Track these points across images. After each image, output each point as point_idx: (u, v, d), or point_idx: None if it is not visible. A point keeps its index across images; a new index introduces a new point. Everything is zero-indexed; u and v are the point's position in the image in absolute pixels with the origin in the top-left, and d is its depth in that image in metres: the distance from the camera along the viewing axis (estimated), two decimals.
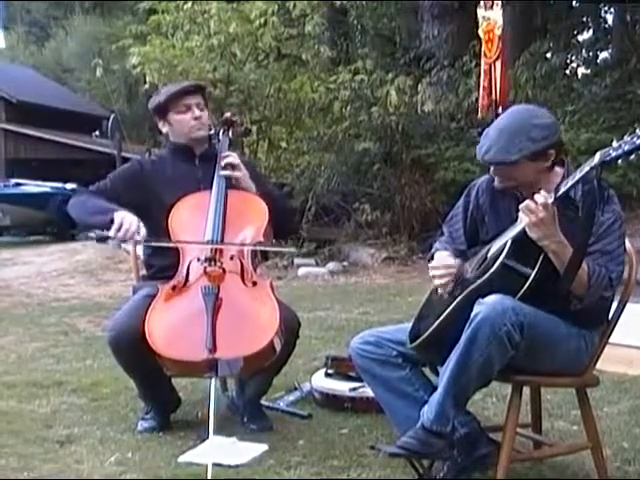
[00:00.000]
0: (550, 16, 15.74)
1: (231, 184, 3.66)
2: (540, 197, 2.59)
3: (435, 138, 11.51)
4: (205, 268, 3.36)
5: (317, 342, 5.61)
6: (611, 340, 2.91)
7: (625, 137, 2.46)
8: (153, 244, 3.55)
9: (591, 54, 15.69)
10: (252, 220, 3.57)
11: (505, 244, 2.72)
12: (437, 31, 13.33)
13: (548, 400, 3.85)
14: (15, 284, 9.97)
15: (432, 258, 3.04)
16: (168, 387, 3.67)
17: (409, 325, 2.98)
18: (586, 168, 2.53)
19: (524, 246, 2.66)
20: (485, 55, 8.04)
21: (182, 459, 3.20)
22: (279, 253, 9.94)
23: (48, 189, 17.17)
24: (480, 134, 2.87)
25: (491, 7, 7.99)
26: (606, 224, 2.71)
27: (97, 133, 23.86)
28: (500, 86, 7.80)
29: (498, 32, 7.89)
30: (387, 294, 8.44)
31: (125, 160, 13.27)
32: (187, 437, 3.48)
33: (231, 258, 3.43)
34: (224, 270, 3.36)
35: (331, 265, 10.49)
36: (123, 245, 8.65)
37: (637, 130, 2.44)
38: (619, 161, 2.49)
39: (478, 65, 9.97)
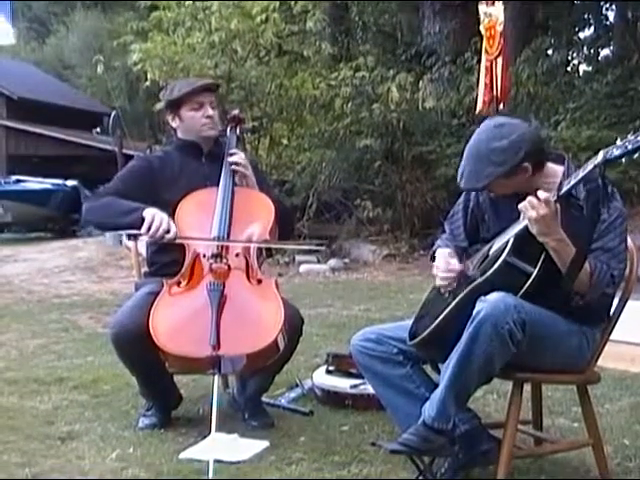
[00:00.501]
0: (551, 13, 15.72)
1: (236, 182, 3.67)
2: (543, 193, 2.59)
3: (436, 135, 11.51)
4: (211, 265, 3.37)
5: (318, 339, 5.62)
6: (612, 337, 2.91)
7: (629, 135, 2.46)
8: (186, 241, 3.47)
9: (592, 51, 15.67)
10: (259, 217, 3.58)
11: (507, 242, 2.72)
12: (438, 28, 13.32)
13: (549, 397, 3.86)
14: (16, 281, 9.98)
15: (434, 255, 3.04)
16: (170, 384, 3.67)
17: (410, 322, 2.98)
18: (589, 166, 2.53)
19: (526, 244, 2.66)
20: (486, 52, 8.03)
21: (183, 455, 3.20)
22: (281, 250, 9.94)
23: (49, 186, 17.18)
24: None
25: (492, 3, 7.98)
26: (608, 221, 2.71)
27: (98, 130, 23.90)
28: (501, 83, 7.79)
29: (499, 28, 7.88)
30: (388, 291, 8.44)
31: (126, 157, 13.30)
32: (188, 434, 3.48)
33: (236, 255, 3.44)
34: (229, 267, 3.36)
35: (332, 262, 10.50)
36: (124, 241, 8.65)
37: None
38: (622, 159, 2.49)
39: (479, 62, 9.97)
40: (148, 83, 11.64)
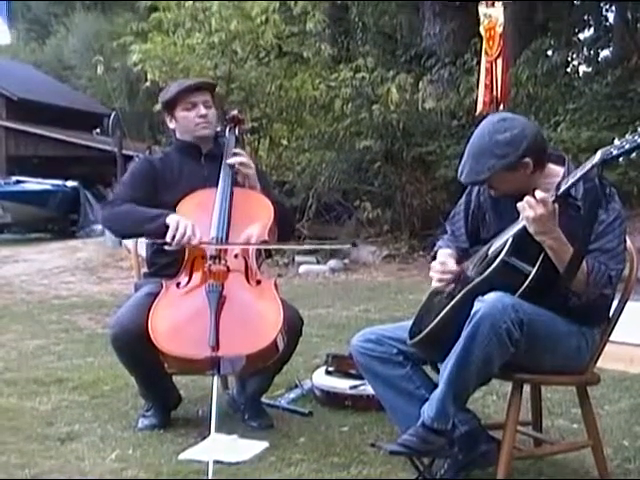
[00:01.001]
0: (551, 14, 15.71)
1: (237, 181, 3.66)
2: (540, 193, 2.60)
3: (436, 136, 11.50)
4: (210, 266, 3.37)
5: (318, 340, 5.62)
6: (612, 338, 2.92)
7: (627, 135, 2.46)
8: (212, 246, 3.46)
9: (592, 52, 15.67)
10: (258, 218, 3.58)
11: (506, 242, 2.72)
12: (438, 29, 13.32)
13: (548, 398, 3.86)
14: (16, 281, 9.97)
15: (435, 256, 3.05)
16: (169, 384, 3.67)
17: (410, 323, 2.98)
18: (587, 166, 2.54)
19: (525, 244, 2.66)
20: (486, 53, 8.02)
21: (183, 456, 3.21)
22: (280, 250, 9.94)
23: (49, 186, 17.19)
24: None
25: (492, 4, 7.97)
26: (606, 222, 2.71)
27: (98, 131, 23.85)
28: (501, 84, 7.79)
29: (499, 30, 7.87)
30: (388, 292, 8.44)
31: (126, 158, 13.31)
32: (188, 434, 3.48)
33: (235, 256, 3.44)
34: (228, 268, 3.36)
35: (332, 263, 10.50)
36: (124, 242, 8.64)
37: (638, 128, 2.45)
38: (620, 159, 2.49)
39: (479, 63, 9.96)
40: (148, 84, 11.64)
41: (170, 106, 3.76)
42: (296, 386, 4.19)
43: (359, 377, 3.67)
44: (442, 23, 13.27)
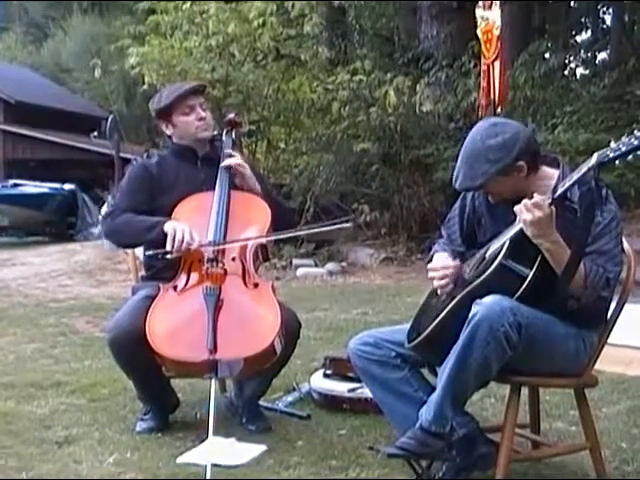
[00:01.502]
0: (549, 16, 15.75)
1: (234, 183, 3.66)
2: (537, 196, 2.60)
3: (434, 138, 11.50)
4: (207, 269, 3.37)
5: (316, 343, 5.62)
6: (610, 340, 2.91)
7: (623, 138, 2.47)
8: (211, 247, 3.45)
9: (589, 54, 15.71)
10: (255, 221, 3.58)
11: (503, 244, 2.72)
12: (436, 31, 13.32)
13: (546, 401, 3.86)
14: (13, 285, 9.96)
15: (431, 260, 3.04)
16: (167, 388, 3.67)
17: (408, 326, 2.98)
18: (584, 169, 2.54)
19: (522, 246, 2.66)
20: (484, 55, 8.04)
21: (181, 460, 3.20)
22: (278, 253, 9.96)
23: (46, 190, 17.17)
24: None
25: (490, 7, 7.99)
26: (603, 224, 2.71)
27: (95, 134, 23.87)
28: (499, 86, 7.81)
29: (497, 32, 7.90)
30: (386, 294, 8.44)
31: (124, 161, 13.29)
32: (186, 438, 3.48)
33: (233, 259, 3.44)
34: (226, 271, 3.36)
35: (330, 265, 10.49)
36: None
37: (635, 131, 2.45)
38: (617, 162, 2.50)
39: (477, 65, 9.97)
40: (145, 87, 11.62)
41: (166, 113, 3.75)
42: (294, 389, 4.19)
43: (357, 380, 3.67)
44: (439, 26, 13.27)
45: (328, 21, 14.41)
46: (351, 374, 3.81)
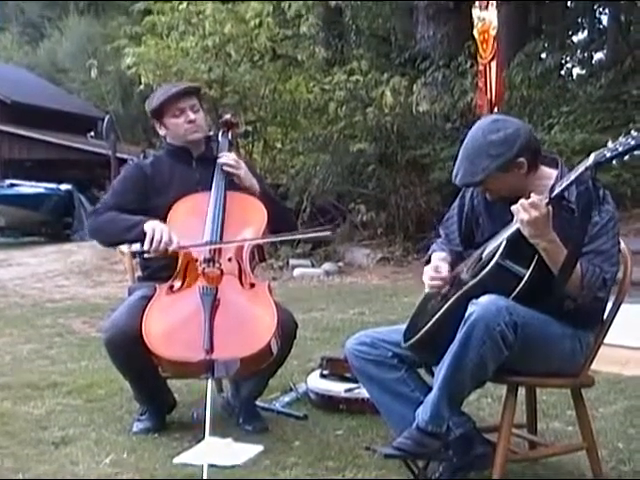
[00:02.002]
0: (545, 17, 15.75)
1: (232, 183, 3.66)
2: (534, 196, 2.60)
3: (430, 139, 11.51)
4: (203, 269, 3.36)
5: (312, 343, 5.62)
6: (606, 340, 2.92)
7: (620, 138, 2.47)
8: (187, 250, 3.47)
9: (586, 55, 15.69)
10: (251, 222, 3.58)
11: (500, 244, 2.72)
12: (432, 32, 13.33)
13: (543, 401, 3.86)
14: (10, 285, 9.95)
15: (429, 260, 3.04)
16: (163, 388, 3.66)
17: (404, 325, 2.98)
18: (581, 169, 2.54)
19: (519, 246, 2.66)
20: (480, 56, 8.04)
21: (177, 460, 3.20)
22: (274, 254, 9.96)
23: (42, 190, 17.15)
24: None
25: (486, 7, 7.98)
26: (600, 224, 2.71)
27: (92, 134, 23.87)
28: (495, 87, 7.80)
29: (493, 32, 7.89)
30: (382, 295, 8.44)
31: (120, 161, 13.29)
32: (182, 438, 3.48)
33: (229, 260, 3.44)
34: (222, 271, 3.36)
35: (326, 266, 10.49)
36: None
37: (632, 131, 2.45)
38: (614, 162, 2.50)
39: (473, 66, 9.98)
40: (142, 87, 11.60)
41: (158, 114, 3.76)
42: (291, 389, 4.19)
43: (354, 380, 3.66)
44: (436, 26, 13.28)
45: (325, 21, 14.41)
46: (348, 374, 3.81)
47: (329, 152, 11.69)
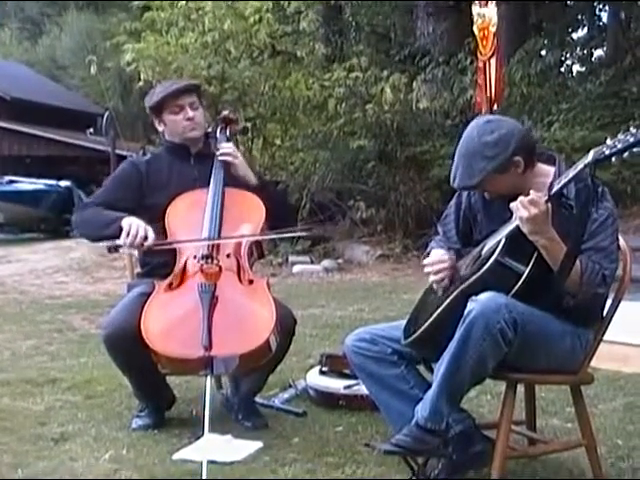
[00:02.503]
0: (545, 14, 15.74)
1: (231, 178, 3.65)
2: (534, 193, 2.60)
3: (430, 135, 11.52)
4: (202, 266, 3.36)
5: (312, 340, 5.62)
6: (605, 337, 2.91)
7: (619, 135, 2.46)
8: (163, 247, 3.47)
9: (586, 52, 15.69)
10: (249, 218, 3.58)
11: (499, 241, 2.72)
12: (432, 28, 13.33)
13: (542, 397, 3.86)
14: (9, 282, 9.95)
15: (428, 257, 3.04)
16: (163, 385, 3.66)
17: (404, 322, 2.98)
18: (580, 166, 2.54)
19: (518, 243, 2.66)
20: (480, 52, 8.03)
21: (177, 456, 3.20)
22: (274, 250, 9.95)
23: (42, 186, 17.16)
24: None
25: (486, 4, 7.97)
26: (599, 221, 2.71)
27: (91, 130, 23.83)
28: (495, 84, 7.79)
29: (493, 29, 7.88)
30: (382, 291, 8.45)
31: (119, 157, 13.27)
32: (182, 435, 3.48)
33: (227, 256, 3.43)
34: (220, 268, 3.36)
35: (326, 262, 10.50)
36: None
37: (631, 128, 2.45)
38: (613, 159, 2.49)
39: (473, 62, 9.97)
40: (141, 83, 11.61)
41: (157, 110, 3.76)
42: (290, 386, 4.19)
43: (353, 377, 3.66)
44: (436, 23, 13.28)
45: (324, 18, 14.42)
46: (347, 371, 3.81)
47: (328, 149, 11.70)
